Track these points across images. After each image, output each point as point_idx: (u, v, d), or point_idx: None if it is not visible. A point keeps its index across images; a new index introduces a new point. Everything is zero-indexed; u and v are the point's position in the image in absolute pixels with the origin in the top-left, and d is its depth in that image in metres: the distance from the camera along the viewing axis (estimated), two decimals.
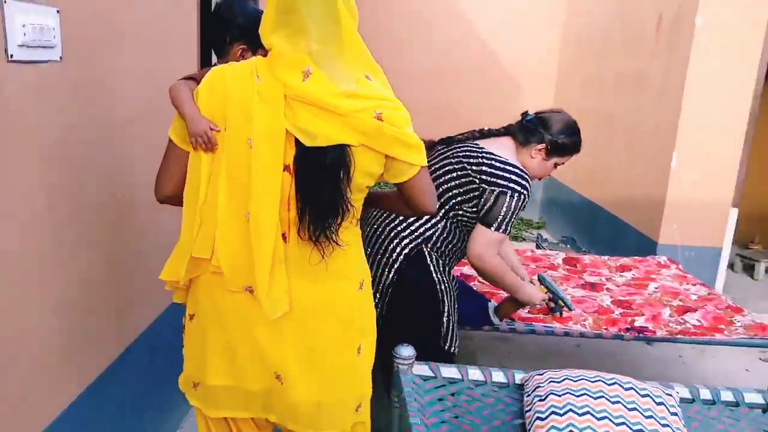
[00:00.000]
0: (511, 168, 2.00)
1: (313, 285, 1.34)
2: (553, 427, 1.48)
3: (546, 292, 2.34)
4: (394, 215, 2.08)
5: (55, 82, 1.36)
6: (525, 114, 2.11)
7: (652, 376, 3.13)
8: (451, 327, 2.12)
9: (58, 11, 1.34)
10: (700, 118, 3.85)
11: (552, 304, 2.38)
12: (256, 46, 1.51)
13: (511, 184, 1.98)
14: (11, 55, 1.20)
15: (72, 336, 1.52)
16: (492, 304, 2.39)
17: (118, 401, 1.81)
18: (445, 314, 2.10)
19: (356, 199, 1.34)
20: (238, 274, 1.30)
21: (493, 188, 1.98)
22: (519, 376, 1.90)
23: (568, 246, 5.24)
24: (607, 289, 2.95)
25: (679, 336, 2.41)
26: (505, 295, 2.37)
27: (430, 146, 2.18)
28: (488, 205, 1.98)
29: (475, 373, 1.90)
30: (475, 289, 2.62)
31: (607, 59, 5.27)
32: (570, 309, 2.39)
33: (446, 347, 2.11)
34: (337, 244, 1.31)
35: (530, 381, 1.78)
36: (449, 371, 1.90)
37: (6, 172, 1.22)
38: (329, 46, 1.24)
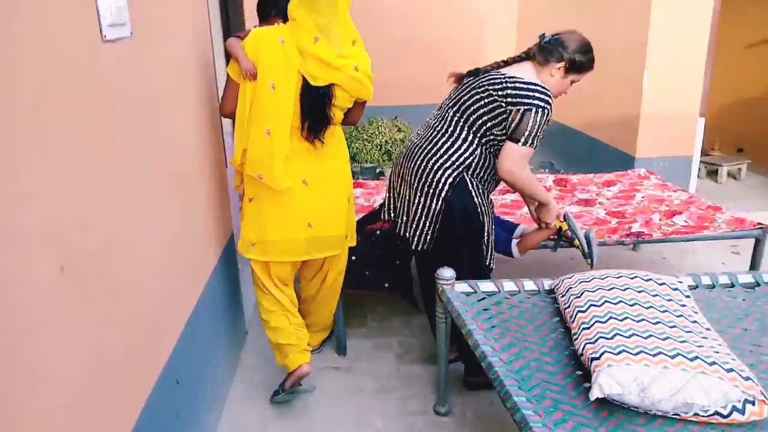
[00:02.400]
0: (534, 86, 2.16)
1: (320, 162, 2.22)
2: (594, 316, 1.74)
3: (566, 229, 2.47)
4: (435, 148, 2.27)
5: (129, 56, 1.47)
6: (542, 36, 2.26)
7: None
8: (490, 245, 2.37)
9: None
10: (667, 36, 4.09)
11: (561, 240, 2.51)
12: (286, 18, 2.11)
13: (535, 101, 2.13)
14: (105, 36, 1.30)
15: (165, 292, 1.68)
16: (515, 241, 2.63)
17: (198, 349, 1.99)
18: (486, 233, 2.34)
19: (335, 115, 2.18)
20: (261, 169, 2.13)
21: (518, 107, 2.13)
22: (547, 283, 2.16)
23: (547, 170, 5.52)
24: (599, 203, 3.23)
25: (672, 236, 2.72)
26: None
27: (459, 79, 2.35)
28: (515, 123, 2.15)
29: (509, 285, 2.15)
30: (506, 219, 2.82)
31: None
32: (583, 256, 2.43)
33: (486, 262, 2.37)
34: (322, 141, 2.18)
35: (561, 285, 2.04)
36: (487, 286, 2.14)
37: (110, 147, 1.34)
38: (331, 21, 2.03)
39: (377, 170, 5.68)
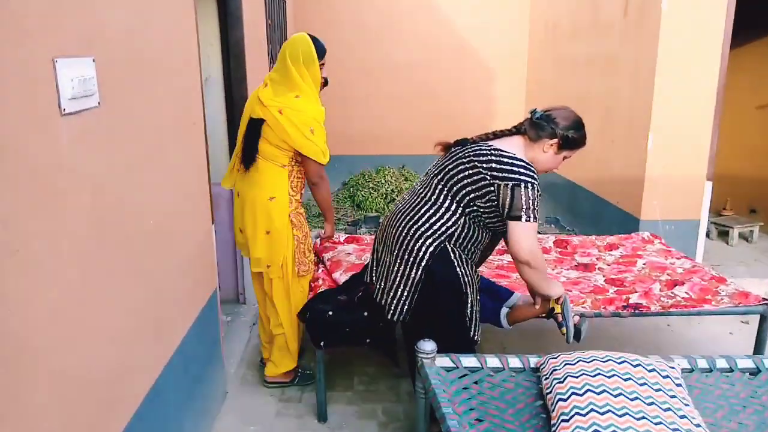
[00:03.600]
0: (518, 162, 2.11)
1: (246, 185, 2.71)
2: (575, 407, 1.64)
3: (558, 312, 2.33)
4: (417, 216, 2.22)
5: (95, 126, 1.45)
6: (534, 111, 2.22)
7: (644, 344, 3.34)
8: (474, 316, 2.28)
9: (93, 60, 1.42)
10: (672, 98, 4.05)
11: (556, 320, 2.35)
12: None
13: (521, 177, 2.08)
14: (64, 110, 1.28)
15: (121, 362, 1.62)
16: (504, 310, 2.54)
17: (163, 417, 1.92)
18: (469, 305, 2.26)
19: (262, 149, 2.64)
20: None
21: (506, 182, 2.07)
22: (533, 360, 2.05)
23: (553, 226, 5.43)
24: (599, 268, 3.13)
25: (671, 309, 2.60)
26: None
27: (446, 148, 2.31)
28: (508, 199, 2.08)
29: (493, 361, 2.05)
30: (500, 285, 2.72)
31: (577, 43, 5.44)
32: (567, 341, 2.30)
33: (471, 335, 2.27)
34: (245, 170, 2.70)
35: (546, 365, 1.93)
36: (469, 361, 2.04)
37: (63, 219, 1.30)
38: (279, 77, 2.62)
39: (380, 220, 5.64)
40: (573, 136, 2.17)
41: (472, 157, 2.17)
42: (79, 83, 1.33)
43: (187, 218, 2.23)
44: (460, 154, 2.21)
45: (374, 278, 2.44)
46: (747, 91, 5.31)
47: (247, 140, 2.65)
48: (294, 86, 2.58)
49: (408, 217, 2.25)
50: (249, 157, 2.65)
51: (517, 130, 2.24)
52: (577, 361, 1.85)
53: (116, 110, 1.57)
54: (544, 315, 2.44)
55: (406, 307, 2.28)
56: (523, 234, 2.10)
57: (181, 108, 2.16)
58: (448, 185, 2.21)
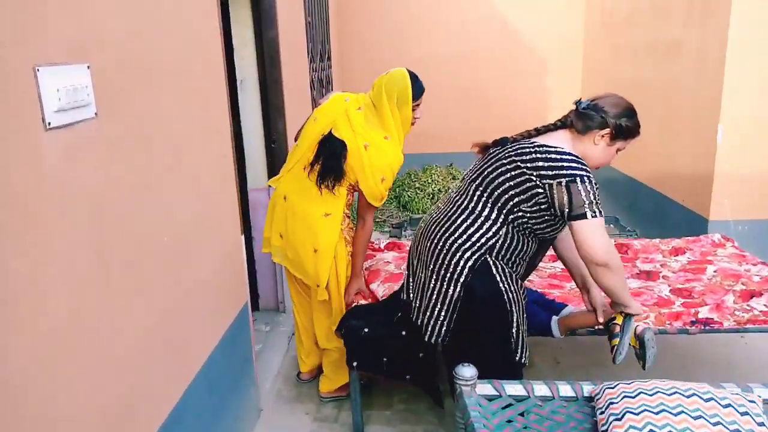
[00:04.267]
0: (567, 156, 1.88)
1: (301, 197, 2.51)
2: None
3: (616, 324, 2.11)
4: (453, 226, 2.02)
5: (91, 139, 1.33)
6: (579, 102, 1.99)
7: (715, 361, 3.02)
8: (520, 337, 2.06)
9: (88, 67, 1.30)
10: (744, 88, 3.66)
11: (612, 331, 2.13)
12: None
13: (575, 171, 1.85)
14: (49, 124, 1.16)
15: (135, 387, 1.51)
16: (555, 318, 2.32)
17: None
18: (515, 324, 2.04)
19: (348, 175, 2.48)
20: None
21: (559, 180, 1.85)
22: (587, 389, 1.83)
23: (612, 226, 5.09)
24: (664, 276, 2.84)
25: (748, 325, 2.30)
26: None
27: (484, 149, 2.10)
28: (565, 198, 1.84)
29: (541, 389, 1.84)
30: (551, 299, 2.53)
31: (636, 29, 5.07)
32: (614, 361, 2.07)
33: (516, 357, 2.06)
34: (321, 188, 2.46)
35: (602, 395, 1.71)
36: (514, 388, 1.84)
37: (52, 240, 1.19)
38: (371, 105, 2.51)
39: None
40: (626, 125, 1.94)
41: (513, 157, 1.95)
42: (68, 93, 1.21)
43: (211, 231, 2.11)
44: (500, 155, 2.00)
45: (410, 295, 2.25)
46: None
47: (328, 158, 2.42)
48: (385, 124, 2.46)
49: (443, 228, 2.05)
50: (331, 177, 2.43)
51: (562, 124, 2.00)
52: (638, 394, 1.61)
53: (118, 120, 1.44)
54: (600, 326, 2.20)
55: (444, 327, 2.08)
56: (593, 232, 1.85)
57: (201, 114, 2.04)
58: (488, 190, 1.99)
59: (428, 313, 2.10)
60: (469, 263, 1.99)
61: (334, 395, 2.79)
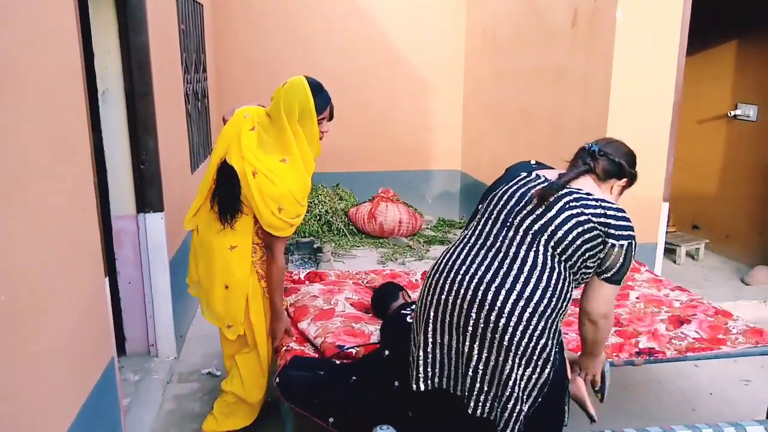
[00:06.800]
0: (625, 215, 1.74)
1: (207, 229, 2.23)
2: None
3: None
4: (519, 286, 1.65)
5: None
6: (591, 146, 1.83)
7: (666, 390, 2.94)
8: (569, 401, 1.88)
9: None
10: (628, 114, 3.75)
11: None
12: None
13: (631, 233, 1.73)
14: None
15: None
16: None
17: None
18: (569, 391, 1.87)
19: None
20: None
21: (621, 241, 1.70)
22: None
23: None
24: None
25: (689, 354, 2.23)
26: None
27: (542, 196, 1.75)
28: (620, 260, 1.71)
29: None
30: None
31: (519, 55, 5.11)
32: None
33: (564, 423, 1.84)
34: (222, 223, 2.17)
35: None
36: None
37: None
38: (267, 125, 2.20)
39: (315, 245, 4.99)
40: (635, 174, 1.88)
41: (582, 210, 1.69)
42: None
43: (67, 279, 1.58)
44: (570, 204, 1.71)
45: (443, 382, 1.77)
46: (689, 104, 5.18)
47: (224, 188, 2.14)
48: (284, 147, 2.15)
49: (505, 290, 1.64)
50: (230, 209, 2.14)
51: (588, 168, 1.81)
52: None
53: None
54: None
55: (521, 418, 1.66)
56: (612, 296, 1.79)
57: (54, 131, 1.52)
58: (554, 242, 1.68)
59: (503, 401, 1.66)
60: (556, 337, 1.70)
61: None
